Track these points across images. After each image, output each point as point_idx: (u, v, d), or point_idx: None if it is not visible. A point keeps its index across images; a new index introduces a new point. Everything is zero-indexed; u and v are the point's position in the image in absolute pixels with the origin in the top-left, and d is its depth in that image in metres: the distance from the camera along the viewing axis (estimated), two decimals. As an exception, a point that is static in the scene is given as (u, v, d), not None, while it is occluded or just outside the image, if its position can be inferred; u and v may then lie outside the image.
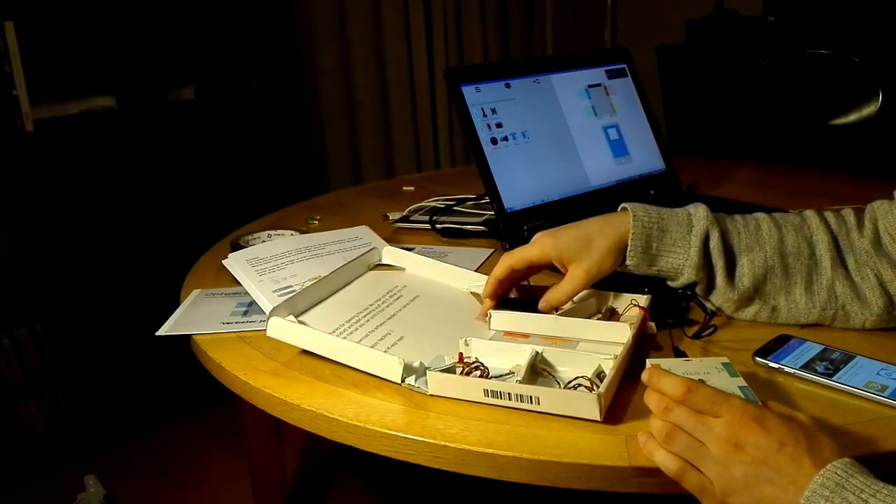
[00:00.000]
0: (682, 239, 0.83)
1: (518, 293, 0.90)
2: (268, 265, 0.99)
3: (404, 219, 1.29)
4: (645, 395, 0.64)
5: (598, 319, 0.84)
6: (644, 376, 0.65)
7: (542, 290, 0.90)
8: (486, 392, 0.70)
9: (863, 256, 0.82)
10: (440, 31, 2.76)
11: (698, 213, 0.84)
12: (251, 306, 0.96)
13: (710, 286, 0.84)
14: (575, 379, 0.71)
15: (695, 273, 0.82)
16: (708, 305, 0.85)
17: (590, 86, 1.32)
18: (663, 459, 0.60)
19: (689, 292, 0.84)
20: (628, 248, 0.83)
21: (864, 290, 0.81)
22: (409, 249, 1.02)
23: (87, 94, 2.05)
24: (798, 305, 0.82)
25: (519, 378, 0.71)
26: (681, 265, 0.83)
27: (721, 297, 0.84)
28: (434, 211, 1.29)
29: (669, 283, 0.86)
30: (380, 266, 1.00)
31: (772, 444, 0.56)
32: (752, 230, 0.84)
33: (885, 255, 0.81)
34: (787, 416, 0.59)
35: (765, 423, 0.57)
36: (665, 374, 0.63)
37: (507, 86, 1.21)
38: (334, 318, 0.84)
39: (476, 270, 1.02)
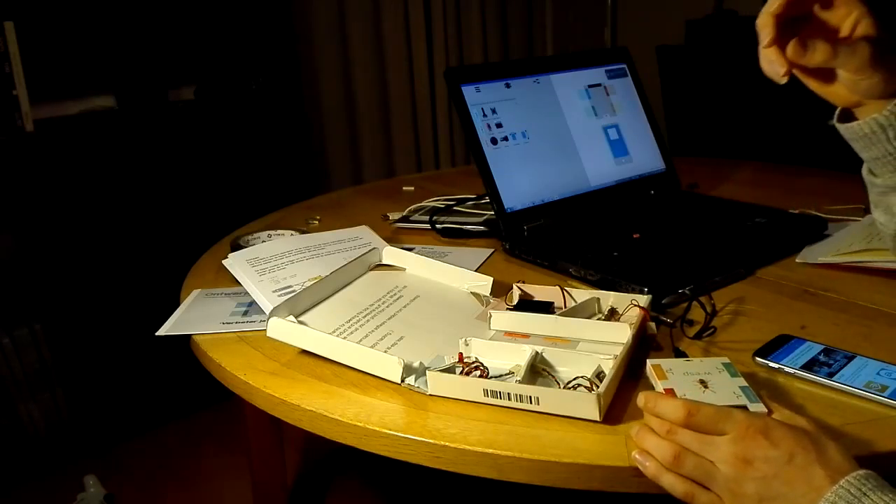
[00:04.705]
0: None
1: (518, 293, 0.90)
2: (268, 265, 0.99)
3: (404, 219, 1.29)
4: (644, 421, 0.63)
5: (598, 319, 0.84)
6: (640, 402, 0.63)
7: (542, 290, 0.90)
8: (485, 392, 0.70)
9: None
10: (440, 31, 2.76)
11: None
12: (251, 306, 0.96)
13: None
14: (574, 379, 0.71)
15: None
16: None
17: (590, 86, 1.32)
18: (670, 482, 0.59)
19: (688, 292, 0.84)
20: None
21: None
22: (409, 249, 1.02)
23: (87, 94, 2.05)
24: None
25: (519, 378, 0.71)
26: None
27: None
28: (434, 211, 1.29)
29: None
30: (380, 266, 1.00)
31: (781, 457, 0.55)
32: None
33: None
34: (791, 424, 0.58)
35: (771, 436, 0.56)
36: (661, 398, 0.62)
37: (507, 86, 1.21)
38: (334, 319, 0.84)
39: (476, 270, 1.02)
